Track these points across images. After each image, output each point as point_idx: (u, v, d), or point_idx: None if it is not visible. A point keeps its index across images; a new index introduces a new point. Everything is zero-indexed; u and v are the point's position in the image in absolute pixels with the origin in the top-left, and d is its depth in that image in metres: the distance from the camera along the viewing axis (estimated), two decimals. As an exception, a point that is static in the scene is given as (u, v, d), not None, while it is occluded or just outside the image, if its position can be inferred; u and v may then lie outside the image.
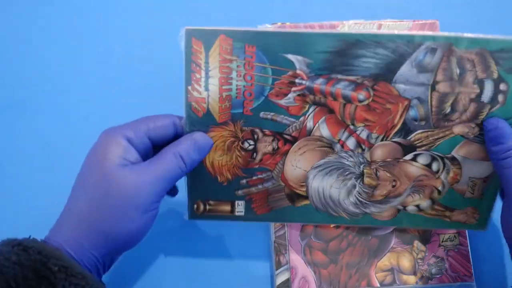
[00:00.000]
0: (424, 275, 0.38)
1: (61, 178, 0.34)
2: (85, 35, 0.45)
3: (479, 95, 0.31)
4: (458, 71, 0.31)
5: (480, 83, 0.31)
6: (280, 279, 0.38)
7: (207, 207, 0.35)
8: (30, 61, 0.44)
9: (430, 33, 0.32)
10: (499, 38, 0.30)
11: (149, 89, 0.42)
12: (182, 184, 0.35)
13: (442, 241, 0.39)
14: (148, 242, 0.32)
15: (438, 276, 0.38)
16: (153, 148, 0.31)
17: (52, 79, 0.44)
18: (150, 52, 0.44)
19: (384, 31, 0.37)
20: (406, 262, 0.39)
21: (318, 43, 0.30)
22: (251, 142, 0.33)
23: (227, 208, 0.35)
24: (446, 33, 0.30)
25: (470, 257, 0.39)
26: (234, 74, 0.31)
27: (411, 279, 0.38)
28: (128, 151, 0.28)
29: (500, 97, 0.31)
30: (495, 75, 0.31)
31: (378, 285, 0.38)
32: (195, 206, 0.35)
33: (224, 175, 0.34)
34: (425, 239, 0.39)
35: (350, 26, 0.40)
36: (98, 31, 0.45)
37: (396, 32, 0.31)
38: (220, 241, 0.39)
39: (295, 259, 0.38)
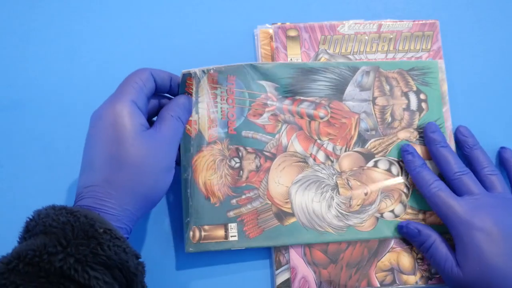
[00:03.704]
0: (424, 275, 0.58)
1: (61, 178, 0.54)
2: (86, 35, 0.62)
3: (408, 105, 0.60)
4: (388, 87, 0.60)
5: (406, 95, 0.60)
6: (280, 279, 0.56)
7: (202, 233, 0.54)
8: (30, 61, 0.61)
9: (363, 61, 0.62)
10: (409, 61, 0.61)
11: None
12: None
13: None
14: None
15: (438, 276, 0.58)
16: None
17: (52, 79, 0.60)
18: (152, 54, 0.62)
19: (328, 61, 0.63)
20: (406, 262, 0.58)
21: (281, 72, 0.58)
22: (237, 160, 0.56)
23: (221, 232, 0.54)
24: (372, 60, 0.61)
25: None
26: (218, 99, 0.56)
27: (411, 279, 0.58)
28: (141, 116, 0.48)
29: (424, 105, 0.60)
30: (415, 88, 0.60)
31: (378, 285, 0.57)
32: (191, 233, 0.54)
33: (216, 195, 0.55)
34: None
35: (350, 26, 0.63)
36: (99, 31, 0.62)
37: (339, 60, 0.61)
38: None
39: (295, 259, 0.57)
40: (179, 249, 0.57)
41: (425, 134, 0.60)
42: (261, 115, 0.57)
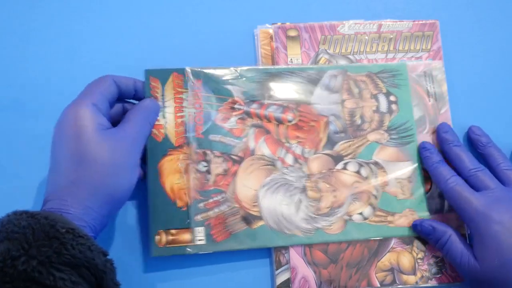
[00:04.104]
0: (424, 275, 0.61)
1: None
2: (86, 35, 0.65)
3: (378, 107, 0.63)
4: (357, 90, 0.63)
5: (375, 97, 0.63)
6: (280, 279, 0.60)
7: (169, 237, 0.57)
8: (30, 61, 0.64)
9: (329, 65, 0.65)
10: (377, 64, 0.64)
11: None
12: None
13: None
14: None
15: (438, 276, 0.61)
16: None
17: (52, 79, 0.63)
18: (153, 54, 0.65)
19: (295, 65, 0.66)
20: (406, 262, 0.61)
21: (247, 75, 0.61)
22: (205, 164, 0.59)
23: (188, 237, 0.57)
24: (340, 64, 0.64)
25: None
26: (185, 103, 0.59)
27: (411, 279, 0.61)
28: (101, 117, 0.51)
29: (394, 106, 0.63)
30: (384, 90, 0.63)
31: (378, 285, 0.60)
32: (157, 237, 0.57)
33: (183, 199, 0.57)
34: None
35: (350, 26, 0.66)
36: (99, 31, 0.65)
37: (306, 65, 0.64)
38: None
39: (295, 259, 0.60)
40: (147, 253, 0.60)
41: (438, 134, 0.63)
42: (228, 119, 0.60)
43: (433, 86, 0.65)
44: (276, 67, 0.63)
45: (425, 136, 0.64)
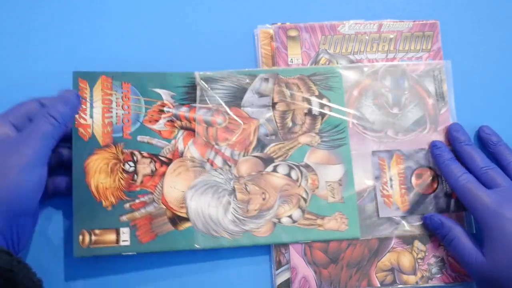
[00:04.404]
0: (424, 275, 0.63)
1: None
2: (86, 35, 0.67)
3: (310, 109, 0.65)
4: (289, 93, 0.65)
5: (308, 100, 0.65)
6: (280, 279, 0.62)
7: (93, 237, 0.59)
8: (30, 61, 0.66)
9: (260, 69, 0.67)
10: (310, 67, 0.66)
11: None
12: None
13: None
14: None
15: (438, 276, 0.63)
16: None
17: (52, 79, 0.63)
18: (153, 54, 0.67)
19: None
20: (406, 262, 0.63)
21: (176, 80, 0.64)
22: (132, 164, 0.61)
23: (112, 237, 0.59)
24: (273, 68, 0.66)
25: None
26: (114, 105, 0.61)
27: (412, 279, 0.62)
28: (9, 127, 0.53)
29: (326, 109, 0.65)
30: (317, 93, 0.65)
31: (379, 284, 0.62)
32: (80, 237, 0.59)
33: (109, 199, 0.60)
34: (425, 239, 0.63)
35: (350, 26, 0.68)
36: (99, 31, 0.68)
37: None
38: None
39: (296, 259, 0.62)
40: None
41: (449, 134, 0.65)
42: (157, 121, 0.63)
43: (433, 86, 0.67)
44: (206, 73, 0.65)
45: (426, 136, 0.66)
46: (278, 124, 0.65)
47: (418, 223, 0.64)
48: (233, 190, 0.63)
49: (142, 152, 0.62)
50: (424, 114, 0.67)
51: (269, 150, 0.64)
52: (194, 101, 0.64)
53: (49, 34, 0.68)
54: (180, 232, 0.61)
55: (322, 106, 0.65)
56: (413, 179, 0.65)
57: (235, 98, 0.65)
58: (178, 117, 0.63)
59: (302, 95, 0.66)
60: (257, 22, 0.69)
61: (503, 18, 0.72)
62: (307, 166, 0.64)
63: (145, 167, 0.62)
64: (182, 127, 0.63)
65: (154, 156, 0.62)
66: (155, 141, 0.62)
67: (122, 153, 0.62)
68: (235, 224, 0.62)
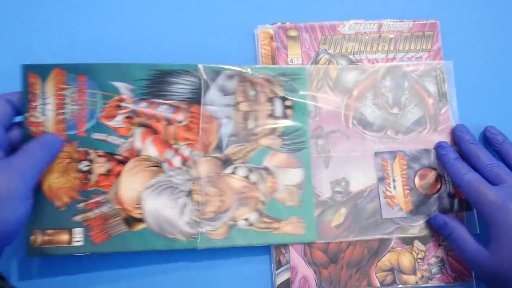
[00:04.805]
0: (424, 275, 0.63)
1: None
2: (86, 35, 0.66)
3: (273, 111, 0.64)
4: (253, 93, 0.63)
5: (271, 101, 0.64)
6: (280, 279, 0.62)
7: (45, 237, 0.57)
8: (30, 60, 0.61)
9: (226, 66, 0.64)
10: (277, 66, 0.64)
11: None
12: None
13: (442, 241, 0.64)
14: None
15: (438, 276, 0.63)
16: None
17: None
18: (153, 54, 0.66)
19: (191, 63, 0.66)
20: (406, 262, 0.63)
21: (137, 72, 0.60)
22: (86, 163, 0.59)
23: (65, 237, 0.58)
24: (238, 66, 0.64)
25: None
26: (68, 100, 0.58)
27: (411, 279, 0.63)
28: None
29: (289, 112, 0.64)
30: (281, 94, 0.64)
31: (379, 285, 0.62)
32: (32, 237, 0.57)
33: (62, 198, 0.58)
34: (425, 239, 0.64)
35: (350, 26, 0.68)
36: (99, 31, 0.67)
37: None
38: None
39: (296, 258, 0.62)
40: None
41: (454, 134, 0.65)
42: (114, 117, 0.60)
43: (433, 86, 0.67)
44: (169, 64, 0.62)
45: (426, 136, 0.66)
46: (240, 125, 0.63)
47: (419, 223, 0.64)
48: (191, 191, 0.61)
49: (97, 150, 0.59)
50: (424, 114, 0.67)
51: (229, 151, 0.63)
52: (156, 96, 0.61)
53: (49, 34, 0.67)
54: (134, 233, 0.59)
55: (285, 108, 0.64)
56: (416, 180, 0.66)
57: (198, 95, 0.62)
58: (136, 113, 0.61)
59: (266, 96, 0.64)
60: (257, 22, 0.68)
61: (503, 18, 0.72)
62: (266, 169, 0.63)
63: (100, 166, 0.59)
64: (140, 124, 0.61)
65: (109, 155, 0.60)
66: (111, 138, 0.60)
67: (77, 152, 0.59)
68: (191, 226, 0.61)
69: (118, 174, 0.60)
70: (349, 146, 0.65)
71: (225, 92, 0.63)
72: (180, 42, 0.68)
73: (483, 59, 0.70)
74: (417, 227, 0.64)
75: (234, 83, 0.63)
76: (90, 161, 0.59)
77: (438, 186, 0.65)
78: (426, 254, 0.64)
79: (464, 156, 0.64)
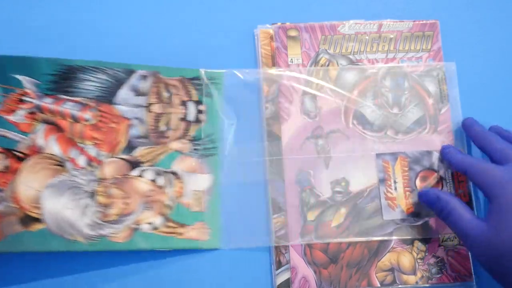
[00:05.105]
0: (424, 275, 0.62)
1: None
2: (85, 35, 0.65)
3: (186, 115, 0.62)
4: (167, 94, 0.61)
5: (185, 105, 0.62)
6: (280, 279, 0.61)
7: None
8: None
9: (143, 64, 0.62)
10: (192, 69, 0.63)
11: None
12: None
13: (442, 241, 0.63)
14: None
15: (438, 276, 0.62)
16: None
17: None
18: (152, 54, 0.65)
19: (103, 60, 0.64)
20: (406, 262, 0.62)
21: (43, 66, 0.57)
22: (-18, 159, 0.55)
23: (-45, 236, 0.54)
24: (153, 65, 0.61)
25: (470, 256, 0.63)
26: (-36, 92, 0.54)
27: (411, 279, 0.62)
28: None
29: (202, 117, 0.62)
30: (195, 98, 0.62)
31: (379, 284, 0.62)
32: None
33: (-48, 196, 0.54)
34: (425, 239, 0.63)
35: (350, 26, 0.67)
36: (99, 31, 0.65)
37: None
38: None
39: (296, 259, 0.61)
40: None
41: (463, 126, 0.64)
42: (14, 111, 0.56)
43: (433, 86, 0.66)
44: (80, 60, 0.59)
45: (426, 136, 0.66)
46: (151, 127, 0.61)
47: (419, 224, 0.64)
48: (94, 192, 0.59)
49: None
50: (424, 114, 0.66)
51: (137, 153, 0.61)
52: (63, 92, 0.58)
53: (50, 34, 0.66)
54: (32, 234, 0.57)
55: (198, 112, 0.63)
56: (418, 182, 0.65)
57: (109, 94, 0.60)
58: (40, 109, 0.57)
59: (180, 99, 0.62)
60: (257, 22, 0.68)
61: (503, 17, 0.72)
62: (174, 173, 0.62)
63: (-3, 163, 0.56)
64: (44, 121, 0.58)
65: (8, 151, 0.56)
66: (10, 134, 0.56)
67: None
68: (92, 228, 0.58)
69: (16, 172, 0.56)
70: (349, 146, 0.65)
71: (137, 92, 0.61)
72: (180, 41, 0.67)
73: (483, 58, 0.70)
74: (417, 227, 0.64)
75: (147, 83, 0.61)
76: (-14, 156, 0.56)
77: (440, 188, 0.65)
78: (426, 254, 0.64)
79: (475, 144, 0.63)
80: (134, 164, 0.61)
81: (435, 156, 0.66)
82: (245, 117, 0.65)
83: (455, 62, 0.68)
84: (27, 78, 0.57)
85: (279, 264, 0.62)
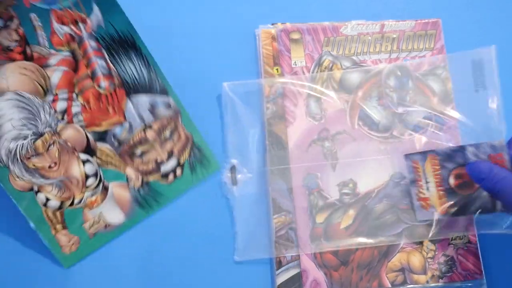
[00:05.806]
0: (434, 274, 0.60)
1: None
2: None
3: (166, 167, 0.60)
4: (167, 133, 0.59)
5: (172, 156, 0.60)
6: (280, 279, 0.59)
7: None
8: None
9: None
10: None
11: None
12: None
13: (452, 240, 0.61)
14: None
15: (448, 274, 0.60)
16: None
17: None
18: (152, 54, 0.62)
19: None
20: (416, 262, 0.60)
21: (117, 19, 0.57)
22: None
23: None
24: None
25: (480, 254, 0.61)
26: None
27: (422, 278, 0.60)
28: None
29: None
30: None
31: (389, 285, 0.59)
32: None
33: None
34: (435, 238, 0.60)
35: (353, 27, 0.66)
36: None
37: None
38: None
39: (306, 262, 0.60)
40: None
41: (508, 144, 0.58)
42: (63, 23, 0.57)
43: (437, 84, 0.64)
44: (145, 47, 0.61)
45: (431, 134, 0.63)
46: (130, 142, 0.60)
47: (422, 223, 0.62)
48: (41, 134, 0.56)
49: None
50: (429, 113, 0.64)
51: (103, 147, 0.59)
52: (108, 50, 0.59)
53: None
54: None
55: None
56: (451, 180, 0.59)
57: (133, 89, 0.60)
58: (80, 41, 0.58)
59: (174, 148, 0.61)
60: (258, 22, 0.67)
61: (503, 17, 0.70)
62: (105, 188, 0.59)
63: None
64: (72, 51, 0.57)
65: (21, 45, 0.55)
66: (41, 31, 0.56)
67: None
68: (6, 154, 0.54)
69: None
70: (355, 147, 0.63)
71: (152, 110, 0.60)
72: (180, 41, 0.66)
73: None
74: (426, 226, 0.61)
75: (162, 112, 0.61)
76: None
77: (476, 185, 0.58)
78: (436, 253, 0.62)
79: None
80: (90, 150, 0.58)
81: (469, 151, 0.58)
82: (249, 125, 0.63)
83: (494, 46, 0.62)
84: (99, 14, 0.58)
85: (279, 264, 0.60)
